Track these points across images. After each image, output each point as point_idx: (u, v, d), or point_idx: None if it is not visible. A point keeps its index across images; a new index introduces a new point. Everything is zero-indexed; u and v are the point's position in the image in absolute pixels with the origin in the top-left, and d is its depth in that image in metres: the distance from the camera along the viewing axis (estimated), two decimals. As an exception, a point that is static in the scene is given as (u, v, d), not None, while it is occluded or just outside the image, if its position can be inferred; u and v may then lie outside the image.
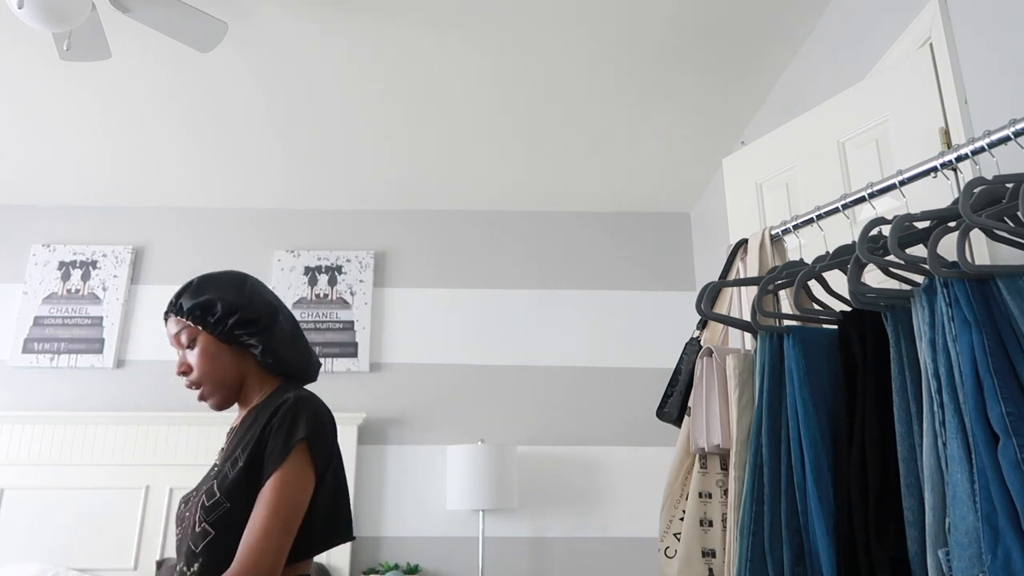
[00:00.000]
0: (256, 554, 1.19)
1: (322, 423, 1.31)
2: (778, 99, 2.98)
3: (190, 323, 1.39)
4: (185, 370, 1.40)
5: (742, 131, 3.34)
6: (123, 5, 2.26)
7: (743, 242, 1.94)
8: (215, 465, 1.38)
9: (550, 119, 3.26)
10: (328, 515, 1.33)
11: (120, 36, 2.69)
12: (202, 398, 1.41)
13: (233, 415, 3.60)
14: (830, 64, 2.53)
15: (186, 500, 1.37)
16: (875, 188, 1.58)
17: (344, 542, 1.40)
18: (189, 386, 1.41)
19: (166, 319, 1.44)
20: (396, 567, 3.43)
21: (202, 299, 1.39)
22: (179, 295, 1.42)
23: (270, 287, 3.92)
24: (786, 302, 1.86)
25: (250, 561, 1.18)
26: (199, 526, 1.26)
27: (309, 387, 3.87)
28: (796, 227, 1.79)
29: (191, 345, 1.40)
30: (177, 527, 1.36)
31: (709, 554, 1.58)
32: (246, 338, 1.40)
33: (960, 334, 1.15)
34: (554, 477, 3.73)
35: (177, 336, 1.41)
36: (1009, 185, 1.31)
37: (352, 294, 3.93)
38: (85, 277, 3.90)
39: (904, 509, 1.20)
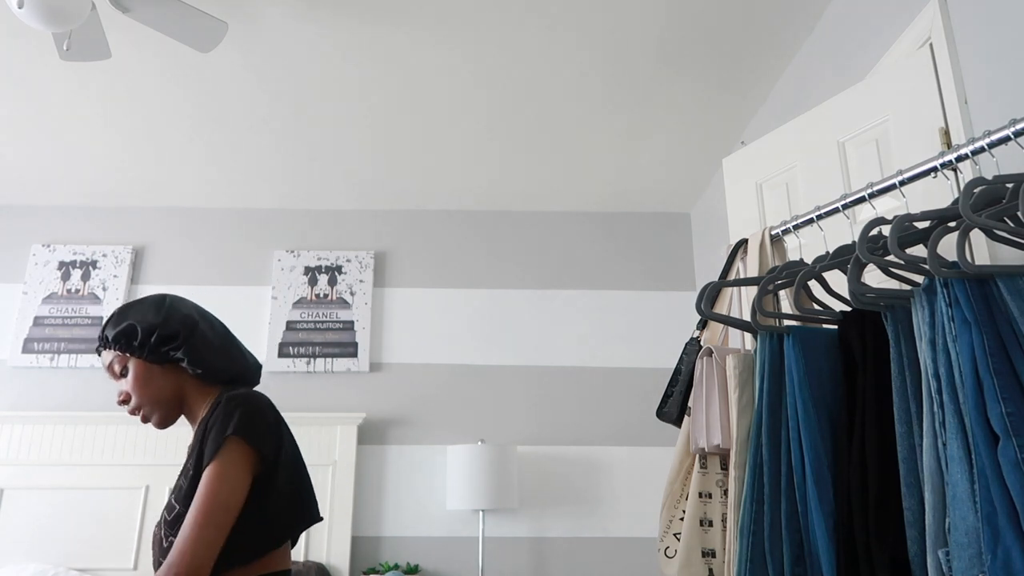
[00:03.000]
0: (183, 551, 1.21)
1: (255, 413, 1.33)
2: (778, 99, 2.98)
3: (118, 352, 1.43)
4: (124, 399, 1.43)
5: (742, 131, 3.34)
6: (123, 5, 2.26)
7: (743, 242, 1.94)
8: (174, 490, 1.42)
9: (551, 120, 3.26)
10: (292, 497, 1.35)
11: (120, 36, 2.69)
12: (144, 420, 1.44)
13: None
14: (830, 64, 2.53)
15: (158, 523, 1.40)
16: (875, 188, 1.58)
17: (313, 523, 1.41)
18: (131, 412, 1.44)
19: (99, 354, 1.48)
20: (396, 567, 3.43)
21: (123, 326, 1.43)
22: (104, 329, 1.46)
23: (270, 287, 3.93)
24: (786, 302, 1.86)
25: (176, 557, 1.21)
26: (166, 541, 1.30)
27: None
28: (796, 227, 1.79)
29: (124, 373, 1.44)
30: (153, 549, 1.41)
31: (709, 554, 1.58)
32: (172, 352, 1.43)
33: (960, 334, 1.15)
34: (554, 477, 3.73)
35: (111, 367, 1.45)
36: (1009, 185, 1.31)
37: (352, 294, 3.93)
38: (85, 277, 3.90)
39: (904, 509, 1.20)
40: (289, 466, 1.36)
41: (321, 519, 1.43)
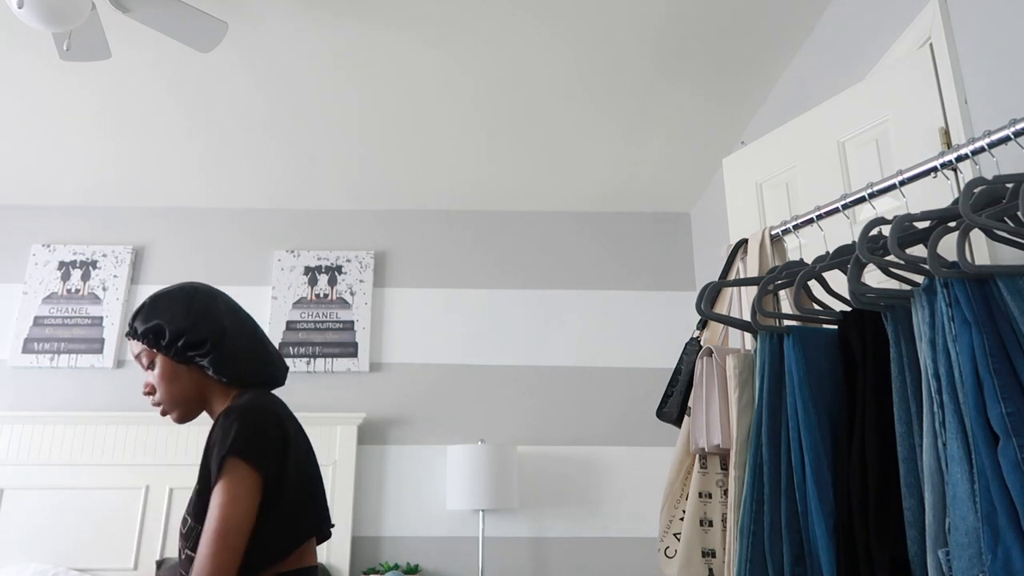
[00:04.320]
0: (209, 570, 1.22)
1: (253, 430, 1.31)
2: (778, 99, 2.98)
3: (146, 346, 1.43)
4: (149, 391, 1.44)
5: (742, 131, 3.34)
6: (123, 5, 2.26)
7: (743, 242, 1.94)
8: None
9: (551, 120, 3.26)
10: (297, 513, 1.33)
11: (120, 36, 2.69)
12: (164, 414, 1.45)
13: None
14: (830, 64, 2.53)
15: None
16: (875, 188, 1.58)
17: (323, 539, 1.41)
18: (154, 404, 1.45)
19: (128, 339, 1.48)
20: (396, 567, 3.43)
21: (152, 324, 1.42)
22: (134, 317, 1.46)
23: (270, 287, 3.93)
24: (786, 302, 1.86)
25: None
26: (183, 553, 1.31)
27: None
28: (796, 227, 1.79)
29: (151, 366, 1.44)
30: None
31: (709, 554, 1.58)
32: (198, 359, 1.43)
33: (960, 334, 1.15)
34: (554, 477, 3.73)
35: (138, 357, 1.45)
36: (1009, 185, 1.31)
37: (352, 294, 3.93)
38: (85, 277, 3.90)
39: (904, 509, 1.20)
40: (292, 482, 1.33)
41: (329, 536, 1.43)
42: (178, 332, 1.41)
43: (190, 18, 2.31)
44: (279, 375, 1.50)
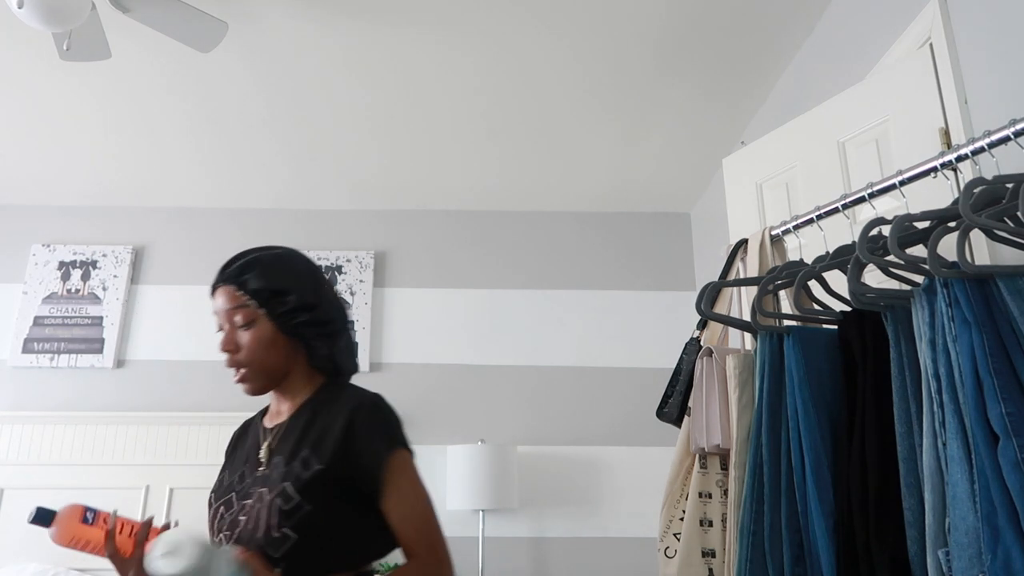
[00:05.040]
0: (439, 547, 1.26)
1: (399, 422, 1.33)
2: (778, 99, 2.98)
3: (252, 304, 1.28)
4: (232, 348, 1.28)
5: (742, 131, 3.34)
6: (123, 5, 2.26)
7: (743, 242, 1.94)
8: (266, 462, 1.29)
9: (550, 119, 3.26)
10: None
11: (120, 36, 2.69)
12: (242, 380, 1.30)
13: (225, 414, 3.60)
14: (830, 64, 2.53)
15: (226, 503, 1.28)
16: (875, 188, 1.58)
17: None
18: (231, 364, 1.29)
19: (215, 289, 1.32)
20: (396, 567, 3.43)
21: (275, 285, 1.29)
22: (243, 270, 1.30)
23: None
24: (786, 302, 1.86)
25: (437, 554, 1.25)
26: (277, 531, 1.19)
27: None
28: (796, 227, 1.79)
29: (247, 325, 1.28)
30: (223, 531, 1.26)
31: (709, 554, 1.58)
32: (311, 338, 1.32)
33: (960, 334, 1.15)
34: (554, 477, 3.73)
35: (230, 313, 1.28)
36: (1009, 185, 1.31)
37: (352, 294, 3.93)
38: (85, 277, 3.90)
39: (904, 509, 1.20)
40: None
41: None
42: (306, 305, 1.30)
43: (190, 18, 2.31)
44: (356, 368, 1.44)
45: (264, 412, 1.43)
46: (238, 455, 1.39)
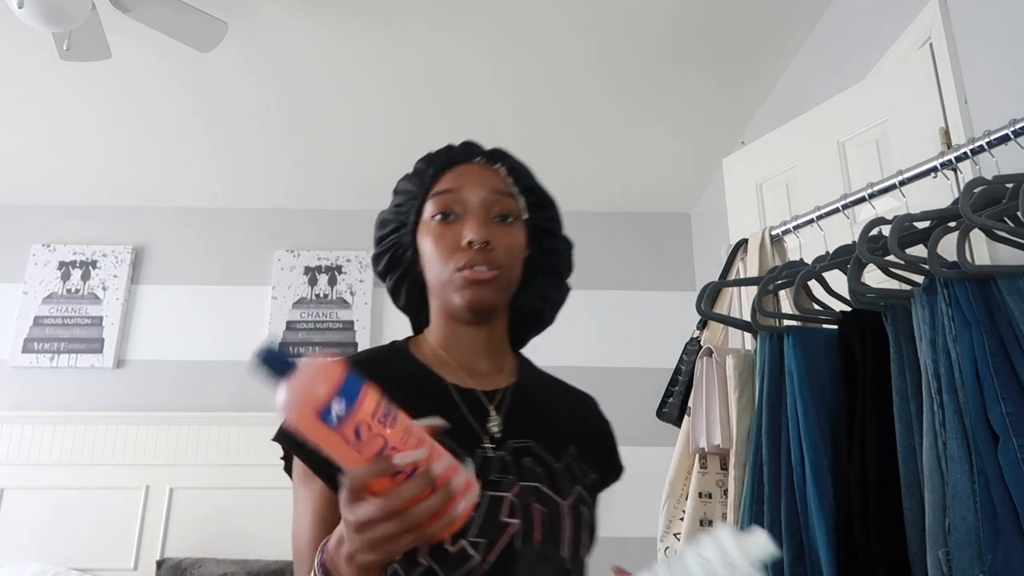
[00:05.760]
0: None
1: None
2: (778, 99, 2.98)
3: (520, 200, 1.02)
4: (488, 242, 0.93)
5: (742, 131, 3.34)
6: (123, 5, 2.26)
7: (743, 242, 1.94)
8: (498, 444, 0.91)
9: (549, 118, 3.26)
10: None
11: (120, 36, 2.69)
12: (487, 282, 0.93)
13: (226, 414, 3.59)
14: (830, 64, 2.53)
15: (535, 493, 0.89)
16: (875, 188, 1.59)
17: None
18: (481, 261, 0.93)
19: (465, 162, 1.03)
20: (396, 567, 3.42)
21: (545, 195, 1.07)
22: (513, 159, 1.07)
23: (269, 287, 3.92)
24: (786, 302, 1.86)
25: None
26: (585, 547, 0.92)
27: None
28: (796, 227, 1.79)
29: (504, 218, 0.98)
30: (538, 531, 0.87)
31: (709, 554, 1.58)
32: (543, 288, 1.04)
33: (960, 334, 1.15)
34: (554, 477, 3.73)
35: (494, 199, 0.98)
36: (1009, 185, 1.31)
37: (352, 294, 3.93)
38: (85, 277, 3.90)
39: (904, 509, 1.20)
40: None
41: None
42: (559, 244, 1.06)
43: (190, 18, 2.31)
44: None
45: (407, 358, 1.00)
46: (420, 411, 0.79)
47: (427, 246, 0.98)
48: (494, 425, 0.93)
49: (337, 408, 0.62)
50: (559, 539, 0.87)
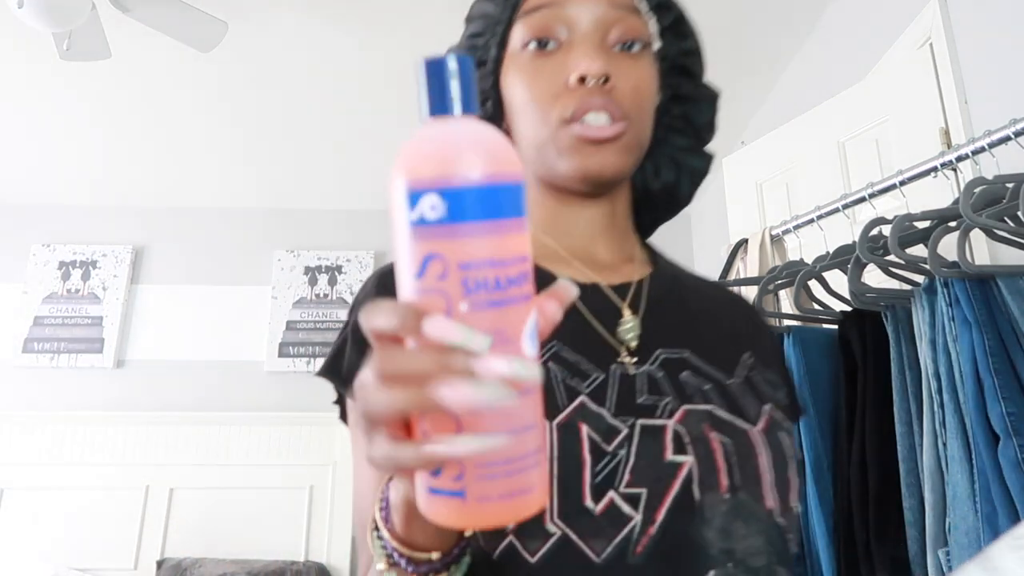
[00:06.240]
0: None
1: None
2: (778, 99, 2.98)
3: (649, 18, 0.73)
4: (607, 80, 0.67)
5: (742, 131, 3.34)
6: (123, 5, 2.26)
7: (743, 242, 1.94)
8: (698, 372, 0.67)
9: (550, 119, 3.25)
10: None
11: (120, 35, 2.69)
12: (611, 139, 0.68)
13: (225, 413, 3.59)
14: (830, 64, 2.53)
15: (709, 418, 0.64)
16: (875, 188, 1.59)
17: None
18: (600, 109, 0.67)
19: None
20: (396, 567, 3.42)
21: (686, 18, 0.78)
22: None
23: (269, 287, 3.92)
24: (786, 302, 1.86)
25: None
26: (794, 492, 0.65)
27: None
28: (796, 227, 1.79)
29: (631, 46, 0.70)
30: (722, 472, 0.61)
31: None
32: (680, 139, 0.77)
33: (960, 334, 1.15)
34: (554, 477, 3.73)
35: (609, 10, 0.70)
36: (1009, 185, 1.31)
37: (352, 294, 3.93)
38: (85, 277, 3.90)
39: (904, 509, 1.21)
40: None
41: None
42: (702, 88, 0.80)
43: (190, 18, 2.31)
44: None
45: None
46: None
47: (517, 89, 0.71)
48: (629, 330, 0.68)
49: (432, 206, 0.38)
50: (758, 482, 0.62)
